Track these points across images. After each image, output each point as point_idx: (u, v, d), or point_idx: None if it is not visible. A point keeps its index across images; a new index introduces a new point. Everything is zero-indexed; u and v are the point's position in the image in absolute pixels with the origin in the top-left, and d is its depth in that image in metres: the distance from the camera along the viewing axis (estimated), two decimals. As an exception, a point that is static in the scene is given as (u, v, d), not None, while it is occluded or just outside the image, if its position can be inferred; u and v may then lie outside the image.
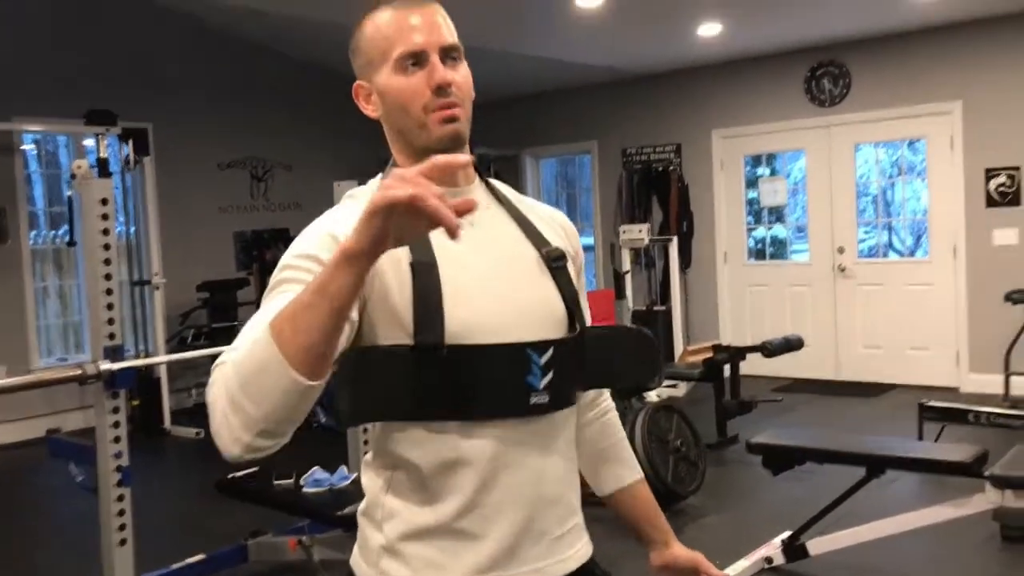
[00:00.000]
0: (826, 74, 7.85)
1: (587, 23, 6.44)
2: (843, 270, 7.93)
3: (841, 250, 7.94)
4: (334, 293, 1.04)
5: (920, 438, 5.19)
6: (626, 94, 8.79)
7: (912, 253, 8.10)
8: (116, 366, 3.45)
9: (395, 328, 1.25)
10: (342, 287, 1.04)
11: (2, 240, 7.11)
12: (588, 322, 1.43)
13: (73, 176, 7.10)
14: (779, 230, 8.61)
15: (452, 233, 1.00)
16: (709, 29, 7.06)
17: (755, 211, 8.61)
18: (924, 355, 7.56)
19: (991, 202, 7.12)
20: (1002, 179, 7.07)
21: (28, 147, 7.72)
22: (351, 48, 1.39)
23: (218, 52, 8.32)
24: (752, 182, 8.58)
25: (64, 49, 7.32)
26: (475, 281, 1.29)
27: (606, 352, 1.42)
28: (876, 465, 3.65)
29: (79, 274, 7.79)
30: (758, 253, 8.67)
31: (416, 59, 1.31)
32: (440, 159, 1.05)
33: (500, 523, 1.28)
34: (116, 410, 3.51)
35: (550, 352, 1.30)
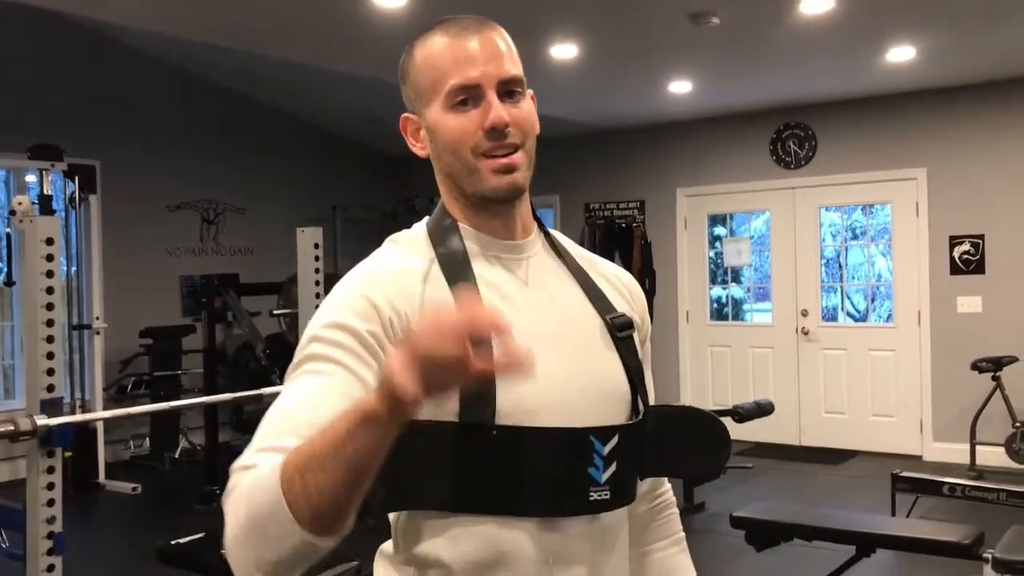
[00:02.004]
0: (792, 136, 7.84)
1: (560, 76, 6.32)
2: (806, 333, 7.84)
3: (804, 313, 7.86)
4: (351, 456, 0.87)
5: (893, 509, 5.04)
6: (590, 149, 8.69)
7: (876, 318, 8.06)
8: (54, 421, 3.15)
9: (438, 402, 1.03)
10: (361, 451, 0.87)
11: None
12: (651, 400, 1.24)
13: (12, 212, 6.77)
14: (735, 290, 8.53)
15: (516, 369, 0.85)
16: (680, 87, 7.00)
17: (711, 270, 8.53)
18: (888, 422, 7.46)
19: (955, 269, 7.11)
20: (966, 247, 7.06)
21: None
22: (399, 73, 1.22)
23: (173, 91, 8.05)
24: (714, 241, 8.50)
25: (10, 81, 6.98)
26: (533, 352, 1.08)
27: (669, 437, 1.23)
28: (867, 544, 3.47)
29: (14, 316, 7.37)
30: (719, 313, 8.57)
31: (470, 95, 1.14)
32: (449, 322, 0.85)
33: None
34: (51, 470, 3.20)
35: (615, 440, 1.13)
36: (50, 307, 3.21)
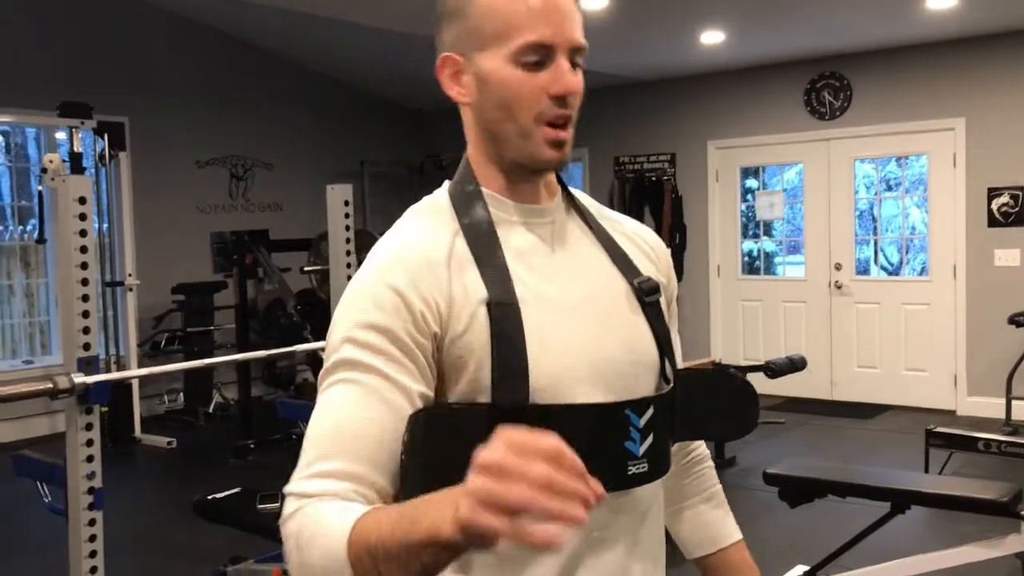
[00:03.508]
0: (827, 86, 7.68)
1: (589, 27, 6.19)
2: (839, 287, 7.75)
3: (838, 267, 7.77)
4: (425, 564, 0.83)
5: (926, 465, 5.01)
6: (620, 101, 8.57)
7: (911, 271, 7.94)
8: (91, 379, 3.17)
9: (469, 382, 1.02)
10: (436, 563, 0.83)
11: (-33, 235, 6.75)
12: (679, 364, 1.21)
13: (44, 170, 6.79)
14: (767, 244, 8.44)
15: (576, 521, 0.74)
16: (712, 37, 6.87)
17: (744, 223, 8.42)
18: (921, 376, 7.39)
19: (993, 222, 6.97)
20: (1005, 199, 6.92)
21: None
22: (442, 7, 1.12)
23: (199, 47, 8.01)
24: (746, 194, 8.39)
25: (38, 39, 6.98)
26: (563, 324, 1.07)
27: (696, 399, 1.20)
28: (902, 501, 3.44)
29: (48, 273, 7.44)
30: (751, 267, 8.49)
31: (543, 55, 1.06)
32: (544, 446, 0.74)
33: None
34: (89, 427, 3.23)
35: (650, 411, 1.10)
36: (84, 266, 3.21)
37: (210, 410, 7.52)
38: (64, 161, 6.79)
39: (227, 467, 6.09)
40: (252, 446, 6.27)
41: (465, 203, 1.11)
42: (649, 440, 1.09)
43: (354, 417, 0.99)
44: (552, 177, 1.17)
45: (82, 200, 3.23)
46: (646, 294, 1.15)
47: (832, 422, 7.13)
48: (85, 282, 3.23)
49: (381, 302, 1.02)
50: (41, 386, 3.09)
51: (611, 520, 1.09)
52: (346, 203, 4.20)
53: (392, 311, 1.01)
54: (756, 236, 8.45)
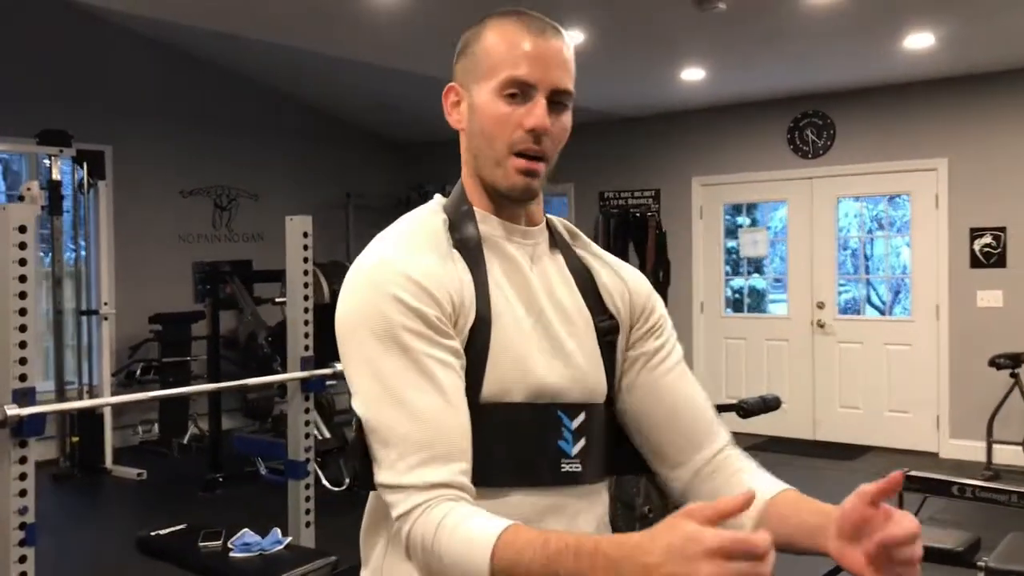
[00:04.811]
0: (810, 124, 7.67)
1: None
2: (822, 326, 7.68)
3: (821, 305, 7.70)
4: None
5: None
6: (605, 136, 8.56)
7: (892, 311, 7.87)
8: (25, 411, 3.11)
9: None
10: None
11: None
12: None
13: (21, 198, 6.79)
14: (757, 281, 8.38)
15: None
16: (692, 74, 6.86)
17: (733, 261, 8.38)
18: (903, 418, 7.30)
19: (976, 263, 6.91)
20: (987, 239, 6.86)
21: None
22: (460, 43, 1.26)
23: (186, 76, 8.03)
24: (732, 231, 8.35)
25: (20, 65, 6.99)
26: (522, 343, 1.20)
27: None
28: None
29: (25, 300, 7.40)
30: (735, 304, 8.43)
31: (522, 90, 1.19)
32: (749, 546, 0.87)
33: None
34: (23, 460, 3.17)
35: (582, 416, 1.23)
36: (23, 296, 3.16)
37: (184, 441, 7.44)
38: (42, 189, 6.80)
39: (195, 500, 6.00)
40: (221, 479, 6.19)
41: (459, 221, 1.23)
42: (582, 443, 1.21)
43: (435, 406, 1.10)
44: (536, 208, 1.28)
45: (22, 229, 3.19)
46: (604, 334, 1.27)
47: (813, 463, 7.03)
48: (23, 312, 3.18)
49: (410, 288, 1.13)
50: (-29, 417, 3.03)
51: (547, 516, 1.17)
52: (304, 235, 4.17)
53: (426, 298, 1.13)
54: (750, 273, 8.38)
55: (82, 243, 7.19)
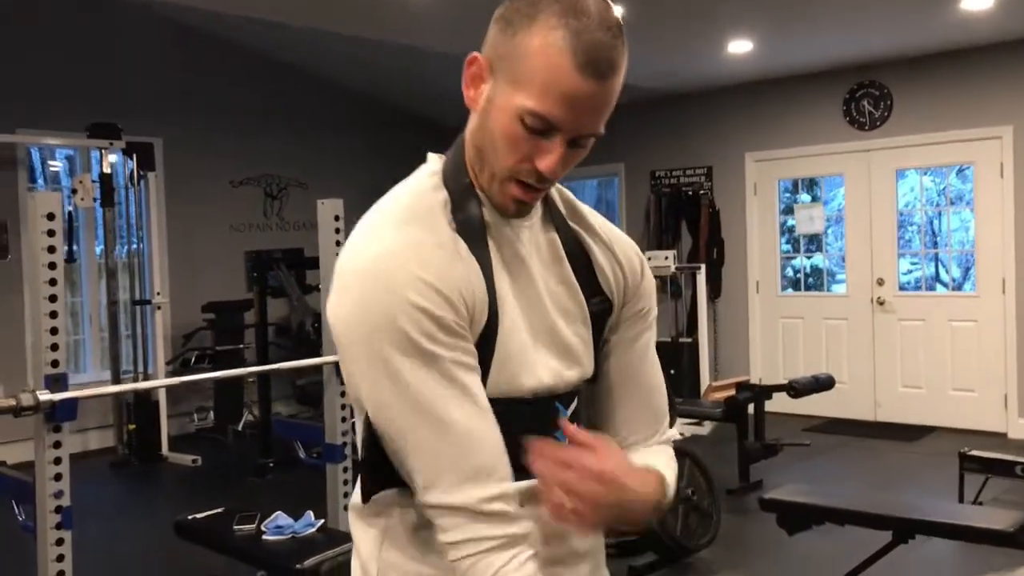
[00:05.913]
0: (866, 95, 7.41)
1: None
2: (882, 303, 7.44)
3: (880, 282, 7.46)
4: None
5: (960, 491, 4.71)
6: (654, 115, 8.40)
7: (958, 287, 7.58)
8: (57, 397, 3.14)
9: None
10: None
11: (2, 255, 6.89)
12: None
13: (74, 191, 6.91)
14: (819, 259, 8.14)
15: None
16: (739, 46, 6.67)
17: (794, 239, 8.15)
18: (968, 397, 7.03)
19: (1044, 234, 6.61)
20: (1056, 209, 6.55)
21: (56, 164, 7.56)
22: (507, 13, 1.10)
23: (233, 67, 8.09)
24: (790, 209, 8.12)
25: (72, 61, 7.12)
26: (524, 335, 1.18)
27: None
28: (904, 530, 3.22)
29: (82, 291, 7.57)
30: (794, 283, 8.21)
31: (544, 128, 1.08)
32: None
33: None
34: (57, 444, 3.20)
35: (575, 403, 1.24)
36: (53, 283, 3.19)
37: (239, 428, 7.54)
38: (94, 181, 6.92)
39: (245, 485, 6.07)
40: (271, 465, 6.24)
41: (460, 198, 1.15)
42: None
43: (469, 415, 1.08)
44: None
45: (50, 216, 3.22)
46: (597, 316, 1.24)
47: (873, 444, 6.82)
48: (53, 299, 3.21)
49: (426, 293, 1.07)
50: (4, 404, 3.07)
51: (539, 503, 1.14)
52: (336, 218, 4.15)
53: (442, 304, 1.08)
54: (810, 252, 8.14)
55: (135, 234, 7.29)
